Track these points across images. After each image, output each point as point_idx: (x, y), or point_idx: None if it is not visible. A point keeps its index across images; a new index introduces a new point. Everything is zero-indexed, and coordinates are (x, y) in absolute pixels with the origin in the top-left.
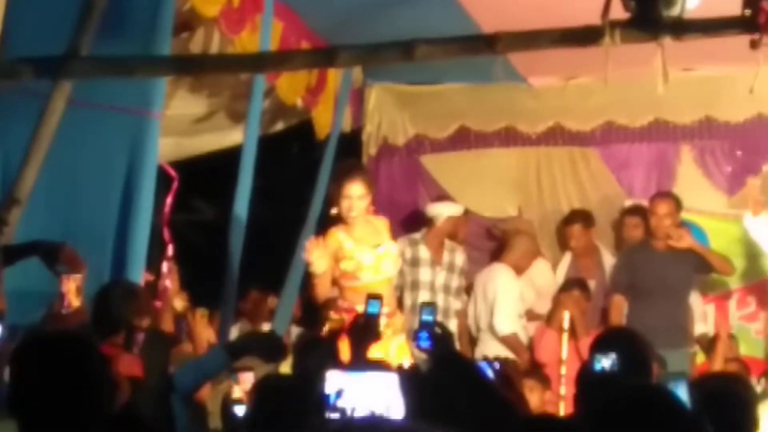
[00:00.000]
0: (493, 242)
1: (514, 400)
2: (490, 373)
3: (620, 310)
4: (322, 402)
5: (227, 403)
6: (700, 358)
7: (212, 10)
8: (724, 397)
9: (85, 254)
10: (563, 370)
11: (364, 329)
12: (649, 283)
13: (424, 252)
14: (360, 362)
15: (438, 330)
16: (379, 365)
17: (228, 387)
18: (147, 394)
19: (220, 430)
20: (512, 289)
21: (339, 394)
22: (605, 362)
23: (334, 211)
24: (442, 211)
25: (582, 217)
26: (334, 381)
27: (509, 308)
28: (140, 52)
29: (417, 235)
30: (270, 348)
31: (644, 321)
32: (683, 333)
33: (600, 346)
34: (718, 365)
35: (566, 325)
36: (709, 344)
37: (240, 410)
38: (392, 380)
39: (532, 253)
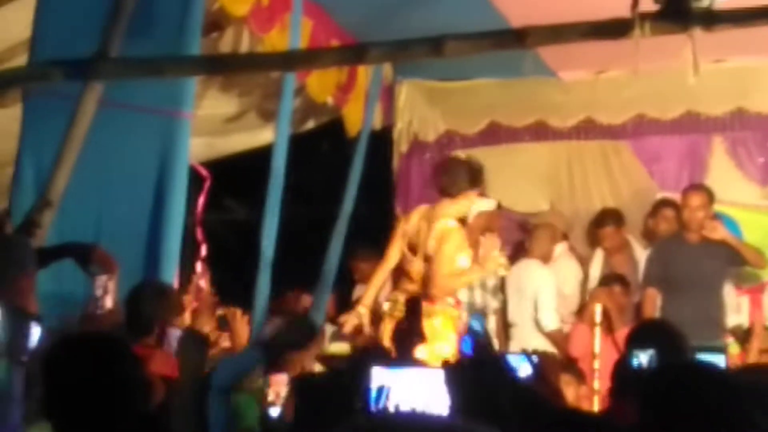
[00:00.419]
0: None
1: (551, 395)
2: (528, 366)
3: (654, 303)
4: (365, 398)
5: (262, 406)
6: (735, 349)
7: (241, 10)
8: (759, 389)
9: (118, 255)
10: (596, 365)
11: (408, 332)
12: (682, 276)
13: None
14: (404, 361)
15: (481, 339)
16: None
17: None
18: (182, 394)
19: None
20: (551, 284)
21: (381, 390)
22: (643, 357)
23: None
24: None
25: (613, 217)
26: (377, 377)
27: (552, 303)
28: (170, 53)
29: None
30: (301, 336)
31: (678, 314)
32: (717, 326)
33: (637, 340)
34: (753, 357)
35: (598, 318)
36: (743, 336)
37: (274, 412)
38: (436, 376)
39: (554, 243)
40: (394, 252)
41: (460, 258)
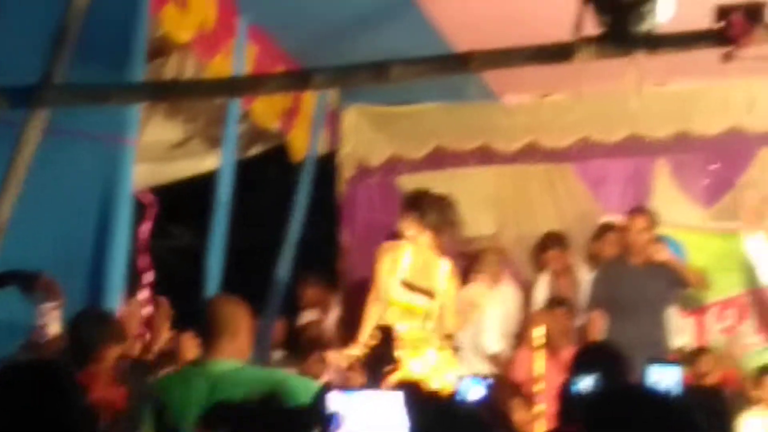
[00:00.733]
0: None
1: (501, 418)
2: (482, 389)
3: (599, 326)
4: (323, 424)
5: None
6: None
7: (185, 36)
8: (704, 409)
9: (63, 283)
10: (540, 388)
11: (380, 359)
12: (626, 299)
13: None
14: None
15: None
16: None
17: None
18: (128, 422)
19: None
20: (496, 307)
21: (334, 416)
22: (587, 381)
23: None
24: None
25: (557, 241)
26: (334, 403)
27: (494, 326)
28: (114, 79)
29: None
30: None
31: (623, 336)
32: (662, 348)
33: (581, 363)
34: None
35: (540, 342)
36: (688, 357)
37: None
38: (394, 399)
39: (501, 270)
40: (385, 287)
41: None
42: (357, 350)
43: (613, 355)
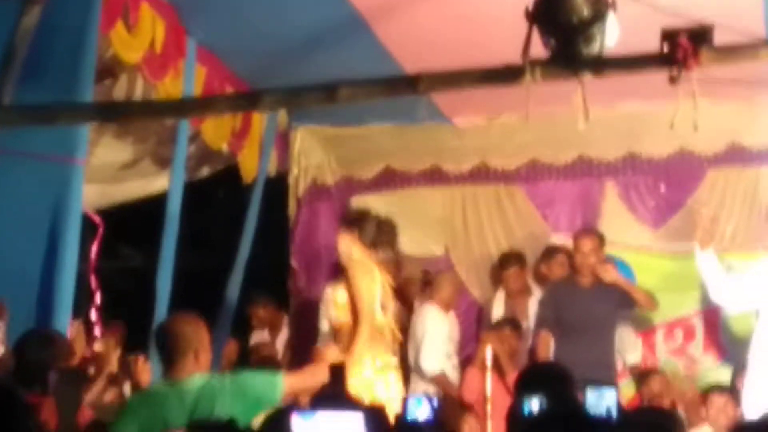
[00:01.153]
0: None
1: None
2: (427, 409)
3: (547, 346)
4: None
5: None
6: (631, 390)
7: (134, 57)
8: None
9: (10, 303)
10: (488, 408)
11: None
12: (574, 319)
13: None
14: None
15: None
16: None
17: None
18: None
19: None
20: (440, 328)
21: None
22: (533, 403)
23: None
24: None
25: (517, 259)
26: (295, 426)
27: (436, 347)
28: (63, 100)
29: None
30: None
31: (571, 356)
32: (610, 368)
33: (526, 384)
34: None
35: (489, 362)
36: (640, 375)
37: None
38: (355, 420)
39: (458, 292)
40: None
41: None
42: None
43: (557, 375)
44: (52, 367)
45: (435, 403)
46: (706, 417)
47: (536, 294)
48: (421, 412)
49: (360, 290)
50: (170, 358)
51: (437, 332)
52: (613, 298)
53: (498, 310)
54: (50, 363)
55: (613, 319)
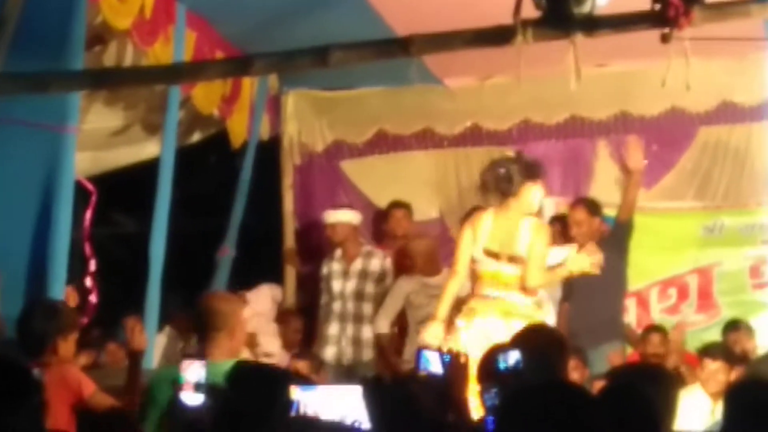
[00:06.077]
0: None
1: (458, 393)
2: (439, 365)
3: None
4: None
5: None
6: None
7: (124, 23)
8: (629, 389)
9: (3, 271)
10: None
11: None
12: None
13: (335, 265)
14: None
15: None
16: None
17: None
18: None
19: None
20: (398, 291)
21: (293, 404)
22: (509, 360)
23: None
24: (339, 219)
25: None
26: (293, 394)
27: (387, 308)
28: (53, 68)
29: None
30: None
31: (580, 322)
32: (614, 327)
33: (514, 340)
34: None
35: None
36: (632, 336)
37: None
38: (355, 392)
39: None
40: (464, 261)
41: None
42: (437, 326)
43: (540, 335)
44: (57, 337)
45: (447, 358)
46: (697, 377)
47: None
48: (433, 366)
49: (459, 243)
50: (205, 334)
51: (394, 295)
52: (613, 246)
53: None
54: (55, 333)
55: (614, 277)
